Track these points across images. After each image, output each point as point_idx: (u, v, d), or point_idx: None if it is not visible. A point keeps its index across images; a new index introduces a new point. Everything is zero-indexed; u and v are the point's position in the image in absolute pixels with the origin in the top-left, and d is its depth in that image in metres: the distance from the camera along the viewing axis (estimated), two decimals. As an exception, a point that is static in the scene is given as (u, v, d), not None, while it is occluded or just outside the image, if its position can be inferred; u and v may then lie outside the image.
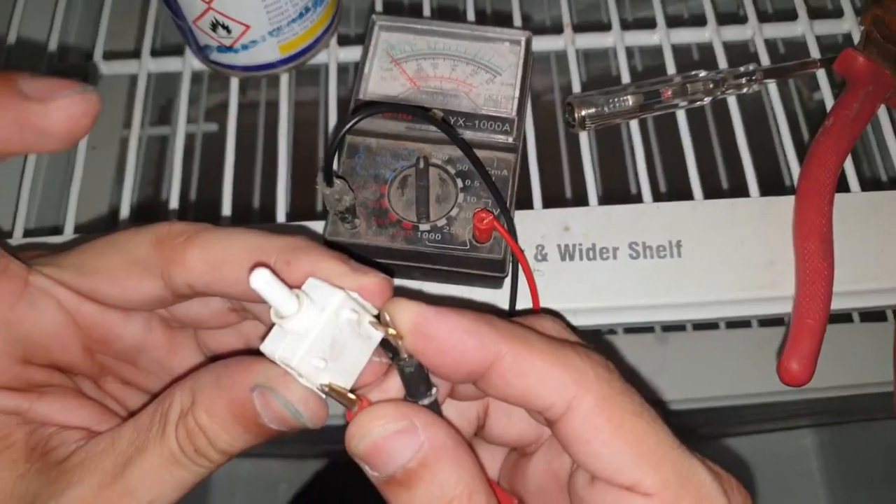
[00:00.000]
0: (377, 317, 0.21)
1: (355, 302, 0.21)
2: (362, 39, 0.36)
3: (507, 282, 0.32)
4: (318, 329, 0.20)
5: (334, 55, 0.40)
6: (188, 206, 0.59)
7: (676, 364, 0.54)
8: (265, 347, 0.21)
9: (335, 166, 0.32)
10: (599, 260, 0.34)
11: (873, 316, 0.53)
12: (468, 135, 0.33)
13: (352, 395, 0.21)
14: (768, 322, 0.55)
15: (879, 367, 0.50)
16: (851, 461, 0.77)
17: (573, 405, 0.20)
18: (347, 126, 0.26)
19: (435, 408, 0.22)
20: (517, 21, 0.40)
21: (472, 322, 0.21)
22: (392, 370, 0.22)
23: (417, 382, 0.21)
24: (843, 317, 0.53)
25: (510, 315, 0.33)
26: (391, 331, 0.21)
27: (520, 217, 0.35)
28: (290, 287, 0.20)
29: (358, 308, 0.21)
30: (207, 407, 0.21)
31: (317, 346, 0.20)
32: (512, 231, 0.31)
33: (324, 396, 0.21)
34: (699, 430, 0.67)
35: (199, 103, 0.68)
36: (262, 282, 0.19)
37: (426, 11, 0.41)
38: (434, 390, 0.22)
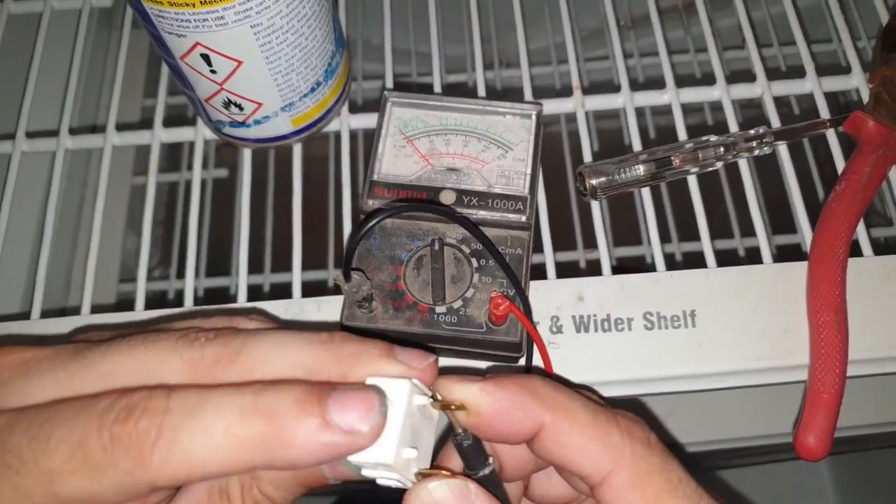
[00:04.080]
0: (432, 397, 0.22)
1: (417, 387, 0.22)
2: (375, 101, 0.36)
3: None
4: (401, 422, 0.21)
5: (346, 123, 0.40)
6: (200, 268, 0.59)
7: (690, 407, 0.54)
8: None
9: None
10: (614, 331, 0.34)
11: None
12: (482, 214, 0.33)
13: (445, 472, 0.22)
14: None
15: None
16: (869, 490, 0.77)
17: (608, 479, 0.22)
18: (362, 233, 0.27)
19: (493, 477, 0.23)
20: (528, 93, 0.40)
21: (515, 394, 0.22)
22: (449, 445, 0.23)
23: (475, 454, 0.23)
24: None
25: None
26: (460, 415, 0.22)
27: (534, 287, 0.35)
28: None
29: (419, 392, 0.22)
30: None
31: (404, 438, 0.21)
32: (527, 311, 0.32)
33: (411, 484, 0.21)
34: (714, 462, 0.66)
35: (209, 144, 0.68)
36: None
37: (437, 87, 0.41)
38: (491, 459, 0.23)
